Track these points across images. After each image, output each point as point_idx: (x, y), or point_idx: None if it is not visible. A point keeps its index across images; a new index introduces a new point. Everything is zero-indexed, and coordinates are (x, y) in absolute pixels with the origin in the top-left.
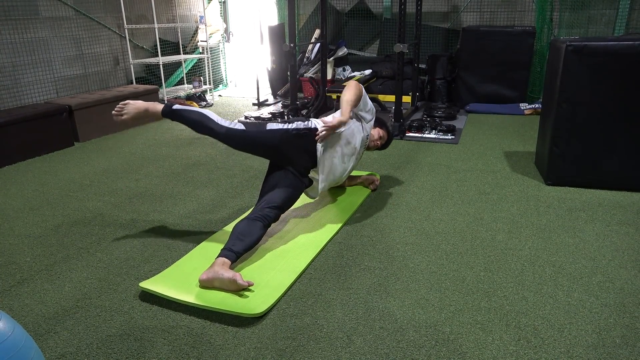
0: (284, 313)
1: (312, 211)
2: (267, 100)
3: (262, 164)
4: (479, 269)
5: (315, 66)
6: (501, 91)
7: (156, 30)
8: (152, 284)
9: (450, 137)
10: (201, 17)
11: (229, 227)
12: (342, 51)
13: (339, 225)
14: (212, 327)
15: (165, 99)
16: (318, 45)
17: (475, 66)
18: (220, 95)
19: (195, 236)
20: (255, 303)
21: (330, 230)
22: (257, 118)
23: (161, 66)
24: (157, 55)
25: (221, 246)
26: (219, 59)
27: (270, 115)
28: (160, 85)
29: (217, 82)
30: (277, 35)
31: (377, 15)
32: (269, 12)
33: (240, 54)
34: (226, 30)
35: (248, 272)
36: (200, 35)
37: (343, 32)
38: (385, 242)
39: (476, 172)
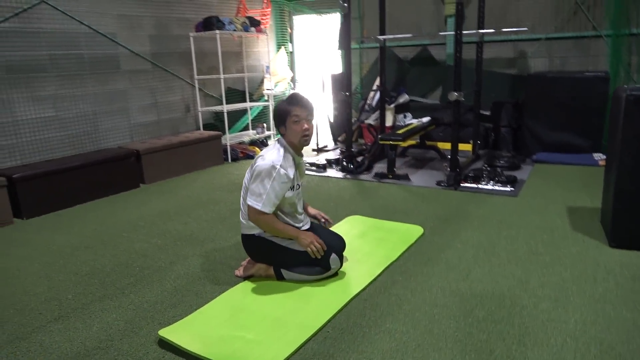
0: None
1: (345, 263)
2: (326, 146)
3: None
4: (511, 341)
5: (376, 113)
6: (572, 140)
7: (222, 80)
8: (170, 333)
9: (509, 189)
10: (267, 67)
11: (257, 279)
12: (403, 98)
13: (368, 281)
14: None
15: (228, 144)
16: (379, 93)
17: (543, 113)
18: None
19: (223, 286)
20: (265, 359)
21: (357, 285)
22: (311, 164)
23: (225, 113)
24: (227, 103)
25: (245, 296)
26: None
27: (325, 162)
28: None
29: None
30: (339, 83)
31: (440, 62)
32: (333, 62)
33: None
34: (293, 79)
35: (263, 325)
36: (266, 84)
37: (405, 80)
38: (413, 303)
39: (532, 228)
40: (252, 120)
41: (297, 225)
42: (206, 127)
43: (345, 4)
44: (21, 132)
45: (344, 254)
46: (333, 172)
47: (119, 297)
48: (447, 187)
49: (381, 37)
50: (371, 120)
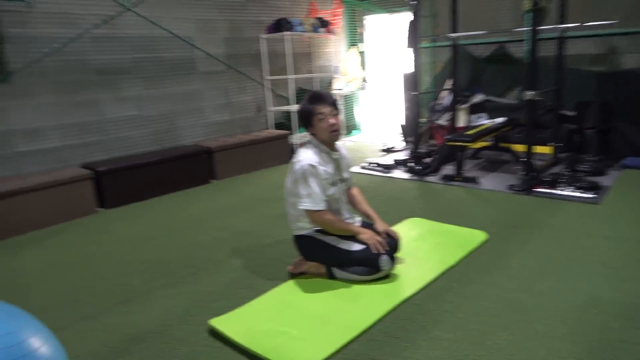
0: None
1: (398, 265)
2: (394, 147)
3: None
4: None
5: (448, 113)
6: None
7: (290, 80)
8: (220, 323)
9: (589, 196)
10: (336, 67)
11: (309, 277)
12: (477, 98)
13: (421, 285)
14: None
15: (294, 143)
16: (451, 92)
17: (636, 114)
18: (352, 141)
19: (275, 281)
20: (305, 357)
21: (409, 289)
22: (378, 165)
23: (295, 114)
24: (298, 103)
25: (294, 292)
26: (353, 106)
27: (393, 162)
28: (294, 130)
29: (351, 128)
30: (411, 82)
31: (518, 60)
32: (405, 61)
33: (375, 101)
34: (364, 79)
35: (309, 322)
36: (336, 84)
37: (481, 79)
38: (466, 311)
39: (612, 239)
40: None
41: None
42: (277, 126)
43: (414, 2)
44: (108, 129)
45: (399, 255)
46: (399, 173)
47: (179, 285)
48: (519, 191)
49: (452, 35)
50: (443, 120)
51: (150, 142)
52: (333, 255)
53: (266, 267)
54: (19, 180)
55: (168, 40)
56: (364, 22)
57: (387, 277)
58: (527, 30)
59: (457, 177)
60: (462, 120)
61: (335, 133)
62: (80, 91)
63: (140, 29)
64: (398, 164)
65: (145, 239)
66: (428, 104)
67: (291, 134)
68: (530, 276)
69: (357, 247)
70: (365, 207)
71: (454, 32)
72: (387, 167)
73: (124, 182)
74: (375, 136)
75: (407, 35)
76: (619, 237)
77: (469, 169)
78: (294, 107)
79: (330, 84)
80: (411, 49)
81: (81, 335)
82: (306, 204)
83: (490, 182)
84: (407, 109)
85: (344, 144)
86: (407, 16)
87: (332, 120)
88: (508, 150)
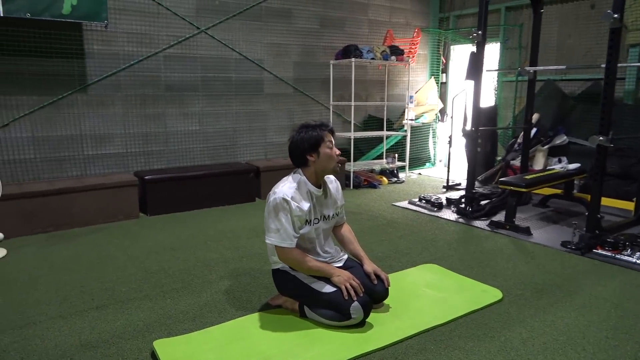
0: None
1: (383, 313)
2: (459, 184)
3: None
4: None
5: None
6: None
7: (352, 107)
8: (161, 345)
9: None
10: (411, 97)
11: (284, 311)
12: (560, 139)
13: (392, 340)
14: None
15: (352, 171)
16: (534, 131)
17: None
18: (419, 174)
19: (248, 311)
20: None
21: (376, 342)
22: (427, 201)
23: (352, 141)
24: (365, 130)
25: (254, 326)
26: (428, 138)
27: (441, 201)
28: (355, 159)
29: (423, 160)
30: (487, 117)
31: (616, 100)
32: (486, 94)
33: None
34: (442, 110)
35: (247, 358)
36: (407, 114)
37: (568, 118)
38: None
39: None
40: (387, 150)
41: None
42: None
43: (478, 32)
44: (170, 141)
45: (389, 303)
46: (447, 213)
47: (158, 299)
48: (572, 250)
49: (530, 69)
50: (518, 161)
51: (208, 157)
52: (304, 294)
53: (251, 294)
54: (75, 180)
55: (238, 62)
56: (450, 52)
57: (362, 325)
58: (631, 65)
59: (507, 225)
60: (539, 163)
61: (339, 164)
62: (148, 104)
63: (211, 50)
64: (451, 203)
65: (164, 249)
66: (504, 142)
67: (347, 161)
68: (529, 354)
69: (329, 289)
70: (354, 247)
71: (533, 65)
72: (436, 205)
73: (168, 191)
74: (446, 171)
75: (468, 66)
76: None
77: (527, 218)
78: (352, 135)
79: (402, 113)
80: (471, 81)
81: (45, 333)
82: (273, 239)
83: (546, 235)
84: (478, 145)
85: (405, 175)
86: (495, 47)
87: (338, 151)
88: (581, 201)
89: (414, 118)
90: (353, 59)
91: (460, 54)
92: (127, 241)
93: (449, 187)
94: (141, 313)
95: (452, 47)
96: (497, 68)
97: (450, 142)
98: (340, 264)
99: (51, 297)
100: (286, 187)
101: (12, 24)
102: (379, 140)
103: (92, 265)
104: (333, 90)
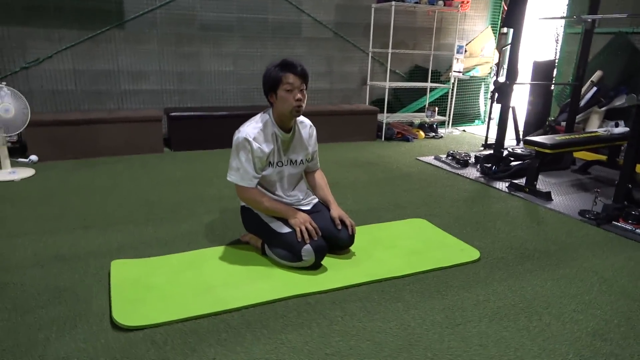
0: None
1: (345, 259)
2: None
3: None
4: None
5: (582, 114)
6: None
7: (389, 55)
8: (117, 265)
9: None
10: (460, 47)
11: (245, 247)
12: (620, 101)
13: (338, 285)
14: None
15: (384, 122)
16: (593, 90)
17: None
18: (464, 130)
19: (216, 243)
20: (144, 315)
21: (319, 285)
22: (453, 158)
23: (386, 91)
24: (410, 81)
25: (211, 258)
26: (479, 93)
27: (467, 158)
28: (395, 110)
29: (471, 117)
30: (543, 72)
31: None
32: (547, 47)
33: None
34: (498, 64)
35: (191, 286)
36: (455, 66)
37: (637, 77)
38: (333, 334)
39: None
40: (429, 102)
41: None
42: (377, 102)
43: None
44: (204, 80)
45: (354, 249)
46: (470, 172)
47: (141, 225)
48: (589, 219)
49: (587, 17)
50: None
51: (241, 98)
52: (264, 232)
53: (228, 229)
54: (106, 112)
55: (275, 3)
56: None
57: (318, 267)
58: None
59: (526, 188)
60: (593, 125)
61: (298, 109)
62: (183, 43)
63: None
64: (478, 162)
65: (170, 182)
66: (560, 101)
67: (381, 111)
68: (474, 316)
69: (285, 229)
70: (323, 192)
71: (593, 13)
72: (461, 163)
73: (192, 129)
74: (486, 128)
75: (507, 11)
76: None
77: (558, 183)
78: (387, 84)
79: (451, 65)
80: (510, 29)
81: (30, 243)
82: (233, 177)
83: (568, 202)
84: (530, 103)
85: (445, 132)
86: None
87: (299, 95)
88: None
89: (461, 70)
90: (393, 2)
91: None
92: (141, 172)
93: (487, 146)
94: (120, 236)
95: None
96: (555, 16)
97: (492, 98)
98: (307, 207)
99: (51, 214)
100: (250, 127)
101: None
102: (424, 92)
103: (100, 191)
104: (377, 36)
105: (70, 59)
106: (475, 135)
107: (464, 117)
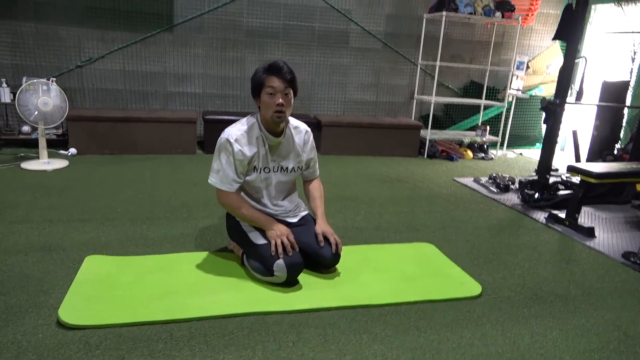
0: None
1: (327, 279)
2: (557, 169)
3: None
4: None
5: None
6: None
7: (436, 68)
8: (90, 260)
9: None
10: (520, 63)
11: (232, 256)
12: None
13: (306, 307)
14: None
15: (428, 138)
16: None
17: None
18: (520, 154)
19: (202, 249)
20: (90, 315)
21: (286, 304)
22: (494, 182)
23: (432, 106)
24: (464, 97)
25: (184, 263)
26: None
27: (509, 183)
28: (445, 127)
29: (530, 140)
30: (614, 94)
31: None
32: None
33: (574, 113)
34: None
35: (150, 290)
36: (514, 84)
37: None
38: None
39: None
40: (482, 121)
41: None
42: (427, 117)
43: None
44: (247, 86)
45: (339, 268)
46: (510, 198)
47: (137, 223)
48: (634, 264)
49: None
50: None
51: None
52: (242, 241)
53: (220, 235)
54: (143, 112)
55: (323, 11)
56: (590, 13)
57: (293, 284)
58: None
59: (566, 221)
60: None
61: (279, 115)
62: (228, 48)
63: None
64: (521, 187)
65: (188, 183)
66: (633, 127)
67: (424, 127)
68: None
69: (262, 241)
70: (315, 204)
71: None
72: (501, 188)
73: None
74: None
75: (559, 23)
76: None
77: (609, 219)
78: (432, 99)
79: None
80: (562, 42)
81: (25, 230)
82: (213, 179)
83: (614, 241)
84: (596, 128)
85: (496, 153)
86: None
87: (280, 100)
88: None
89: (520, 88)
90: (444, 13)
91: (604, 15)
92: (165, 172)
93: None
94: (112, 232)
95: (592, 6)
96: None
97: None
98: (293, 220)
99: (59, 204)
100: (235, 129)
101: None
102: (477, 109)
103: (118, 186)
104: (429, 49)
105: (122, 60)
106: (532, 160)
107: (522, 139)
